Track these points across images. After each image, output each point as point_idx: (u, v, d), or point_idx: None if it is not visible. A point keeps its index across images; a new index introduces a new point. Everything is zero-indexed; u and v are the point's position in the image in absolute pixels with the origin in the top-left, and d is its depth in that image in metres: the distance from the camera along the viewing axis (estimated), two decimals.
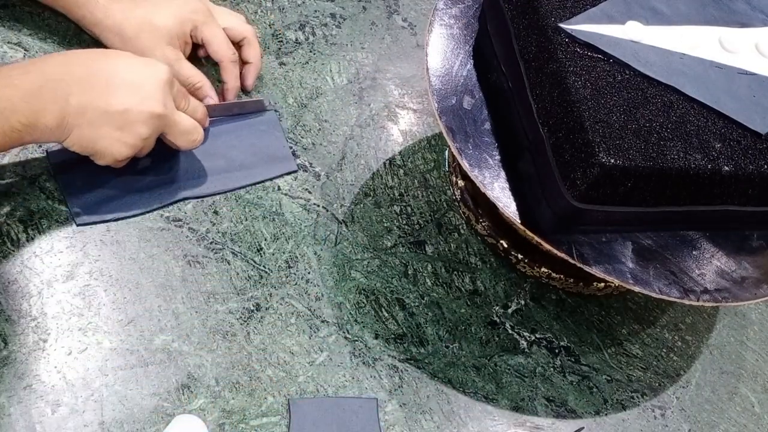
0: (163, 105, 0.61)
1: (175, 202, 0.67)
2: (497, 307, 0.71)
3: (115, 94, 0.59)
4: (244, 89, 0.76)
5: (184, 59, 0.71)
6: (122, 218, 0.65)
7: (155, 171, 0.68)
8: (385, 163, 0.77)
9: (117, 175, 0.66)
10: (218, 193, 0.69)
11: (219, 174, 0.70)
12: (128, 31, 0.69)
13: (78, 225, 0.64)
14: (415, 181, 0.77)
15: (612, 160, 0.55)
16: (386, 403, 0.63)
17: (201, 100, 0.71)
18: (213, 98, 0.72)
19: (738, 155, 0.59)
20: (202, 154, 0.70)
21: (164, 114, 0.61)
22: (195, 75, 0.71)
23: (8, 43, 0.72)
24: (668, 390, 0.71)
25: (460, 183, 0.76)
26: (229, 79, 0.74)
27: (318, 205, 0.72)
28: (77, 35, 0.75)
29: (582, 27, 0.62)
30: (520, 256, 0.72)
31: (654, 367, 0.72)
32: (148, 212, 0.66)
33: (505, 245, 0.72)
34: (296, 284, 0.67)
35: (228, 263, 0.66)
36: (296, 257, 0.68)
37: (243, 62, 0.75)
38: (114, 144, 0.60)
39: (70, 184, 0.65)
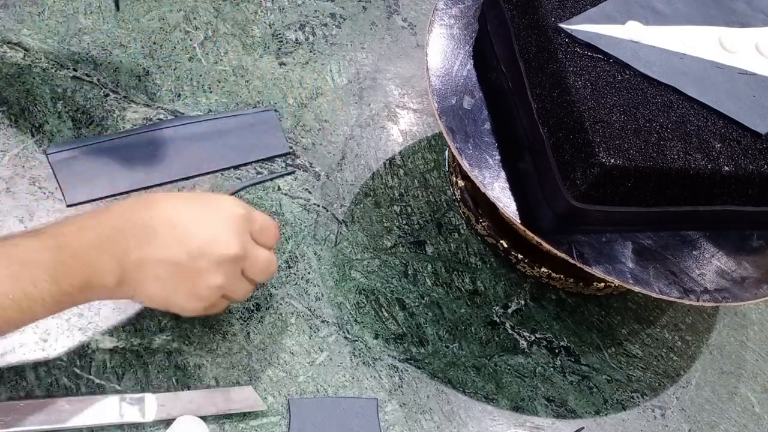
0: (239, 245, 0.53)
1: (171, 182, 0.68)
2: (497, 307, 0.71)
3: (181, 242, 0.51)
4: None
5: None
6: (112, 195, 0.65)
7: (149, 158, 0.68)
8: (385, 163, 0.77)
9: (112, 162, 0.66)
10: (210, 173, 0.70)
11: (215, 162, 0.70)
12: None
13: (68, 206, 0.64)
14: (415, 181, 0.77)
15: (612, 160, 0.55)
16: (386, 403, 0.63)
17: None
18: None
19: (738, 155, 0.59)
20: (201, 154, 0.70)
21: (240, 255, 0.53)
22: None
23: (8, 43, 0.72)
24: (668, 390, 0.71)
25: (460, 183, 0.76)
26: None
27: (318, 205, 0.72)
28: (77, 35, 0.75)
29: (582, 27, 0.62)
30: (520, 256, 0.72)
31: (654, 367, 0.72)
32: (135, 191, 0.66)
33: (505, 245, 0.72)
34: (296, 284, 0.67)
35: None
36: (296, 257, 0.68)
37: None
38: (185, 298, 0.53)
39: (66, 173, 0.65)
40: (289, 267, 0.68)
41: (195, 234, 0.52)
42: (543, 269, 0.72)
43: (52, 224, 0.50)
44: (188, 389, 0.59)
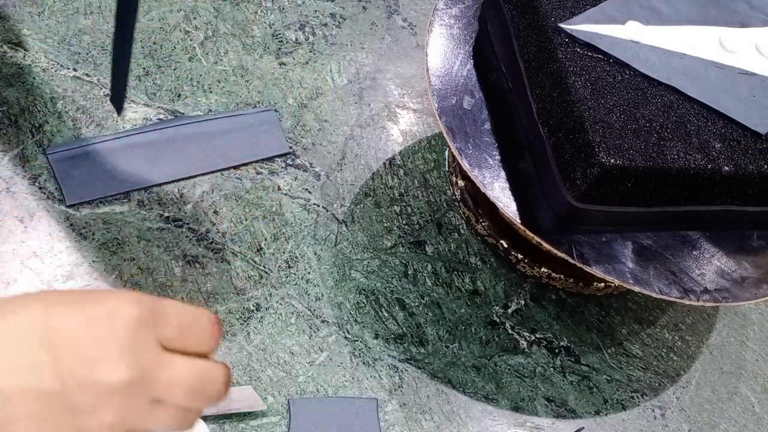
0: (131, 367, 0.36)
1: (171, 182, 0.68)
2: (497, 307, 0.71)
3: (51, 365, 0.35)
4: None
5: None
6: (111, 195, 0.65)
7: (149, 158, 0.68)
8: (385, 163, 0.77)
9: (112, 162, 0.66)
10: (210, 173, 0.70)
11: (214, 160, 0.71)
12: None
13: (68, 206, 0.64)
14: (415, 181, 0.77)
15: (612, 160, 0.55)
16: (386, 403, 0.63)
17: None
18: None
19: (738, 155, 0.59)
20: (201, 154, 0.70)
21: (136, 379, 0.36)
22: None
23: (8, 43, 0.72)
24: (668, 390, 0.71)
25: (460, 183, 0.76)
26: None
27: (318, 205, 0.72)
28: (76, 35, 0.75)
29: (582, 27, 0.62)
30: (520, 256, 0.72)
31: (654, 367, 0.72)
32: (135, 190, 0.66)
33: (505, 245, 0.72)
34: (296, 284, 0.67)
35: (228, 263, 0.66)
36: (296, 257, 0.68)
37: None
38: None
39: (66, 174, 0.65)
40: (289, 267, 0.68)
41: (70, 353, 0.36)
42: (543, 269, 0.72)
43: None
44: None
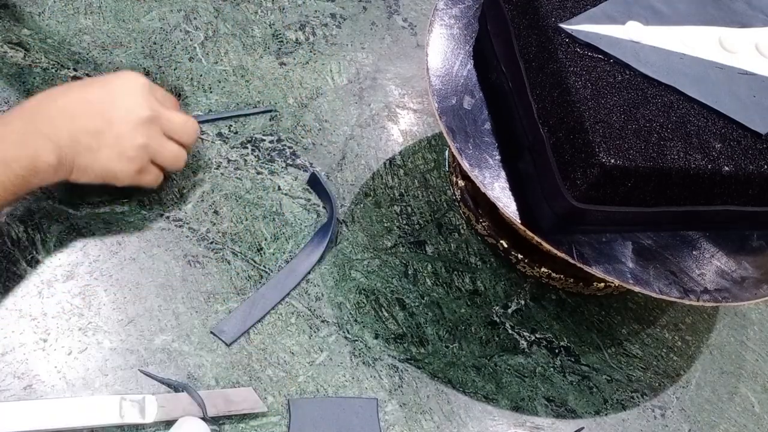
0: (148, 108, 0.60)
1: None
2: (497, 307, 0.71)
3: (99, 114, 0.59)
4: None
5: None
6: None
7: None
8: (385, 163, 0.77)
9: None
10: None
11: None
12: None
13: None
14: (415, 181, 0.77)
15: (612, 160, 0.55)
16: (386, 403, 0.63)
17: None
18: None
19: (738, 155, 0.59)
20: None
21: (152, 116, 0.61)
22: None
23: (8, 43, 0.72)
24: (668, 390, 0.71)
25: (460, 183, 0.76)
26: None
27: (318, 205, 0.72)
28: (76, 35, 0.75)
29: (582, 27, 0.62)
30: (520, 256, 0.72)
31: (654, 367, 0.72)
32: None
33: (505, 245, 0.72)
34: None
35: (228, 263, 0.66)
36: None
37: None
38: (117, 162, 0.60)
39: None
40: None
41: (110, 106, 0.59)
42: (543, 269, 0.72)
43: None
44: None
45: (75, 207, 0.65)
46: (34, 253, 0.62)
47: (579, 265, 0.59)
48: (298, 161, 0.74)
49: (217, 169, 0.71)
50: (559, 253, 0.59)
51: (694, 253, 0.62)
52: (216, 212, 0.68)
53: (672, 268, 0.61)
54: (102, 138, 0.58)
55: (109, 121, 0.59)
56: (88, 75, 0.73)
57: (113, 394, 0.58)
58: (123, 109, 0.60)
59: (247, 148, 0.74)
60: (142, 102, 0.60)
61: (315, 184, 0.72)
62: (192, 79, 0.76)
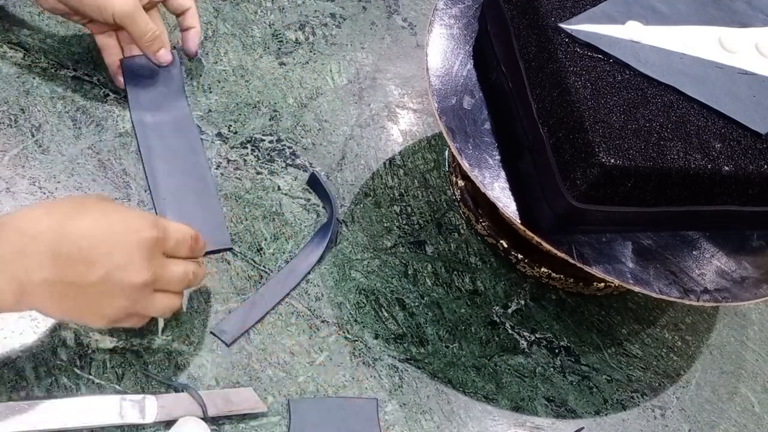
0: (148, 272, 0.51)
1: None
2: (497, 307, 0.71)
3: (86, 266, 0.49)
4: (188, 54, 0.76)
5: (140, 9, 0.67)
6: None
7: None
8: (385, 163, 0.77)
9: None
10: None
11: None
12: None
13: None
14: (415, 181, 0.77)
15: (612, 160, 0.55)
16: (386, 403, 0.63)
17: (156, 51, 0.70)
18: (168, 50, 0.71)
19: (738, 155, 0.59)
20: None
21: (150, 281, 0.52)
22: (151, 24, 0.68)
23: (8, 43, 0.72)
24: (668, 390, 0.71)
25: (460, 183, 0.76)
26: (195, 23, 0.74)
27: (318, 205, 0.72)
28: (77, 35, 0.75)
29: (582, 27, 0.62)
30: (520, 256, 0.72)
31: (654, 367, 0.72)
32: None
33: (505, 245, 0.72)
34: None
35: (228, 263, 0.66)
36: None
37: (184, 29, 0.75)
38: (90, 317, 0.52)
39: None
40: None
41: (103, 259, 0.50)
42: (543, 269, 0.72)
43: None
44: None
45: None
46: None
47: (579, 265, 0.59)
48: (298, 161, 0.74)
49: (216, 169, 0.71)
50: (559, 253, 0.59)
51: (694, 253, 0.62)
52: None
53: (672, 268, 0.61)
54: (81, 292, 0.50)
55: (97, 278, 0.50)
56: (87, 75, 0.73)
57: (113, 394, 0.57)
58: (119, 269, 0.50)
59: (246, 148, 0.74)
60: (144, 265, 0.51)
61: (315, 184, 0.72)
62: (192, 78, 0.76)
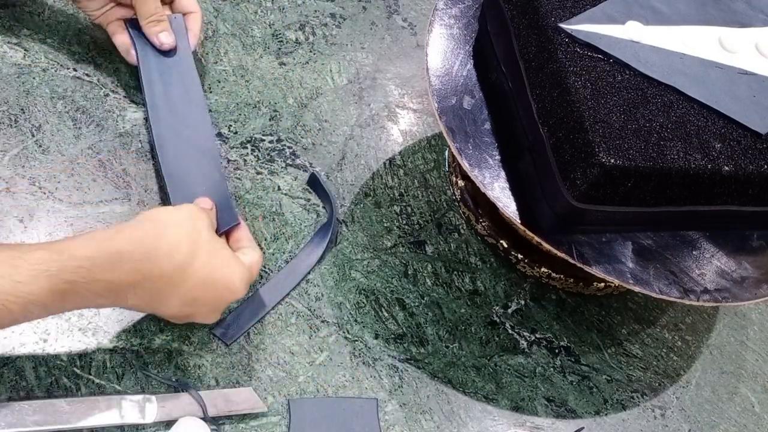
0: (243, 291, 0.58)
1: None
2: (497, 307, 0.71)
3: (185, 299, 0.55)
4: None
5: None
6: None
7: None
8: (385, 163, 0.77)
9: None
10: None
11: None
12: None
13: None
14: (415, 181, 0.77)
15: (612, 160, 0.55)
16: (386, 403, 0.63)
17: (158, 33, 0.70)
18: (170, 35, 0.71)
19: (738, 155, 0.59)
20: None
21: (242, 296, 0.59)
22: (159, 7, 0.70)
23: (8, 43, 0.72)
24: (668, 390, 0.71)
25: (460, 183, 0.76)
26: (195, 27, 0.74)
27: (318, 205, 0.72)
28: (77, 35, 0.75)
29: (582, 27, 0.62)
30: (520, 256, 0.72)
31: (654, 367, 0.72)
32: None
33: (505, 245, 0.72)
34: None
35: None
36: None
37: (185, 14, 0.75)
38: (177, 318, 0.59)
39: None
40: None
41: (205, 294, 0.56)
42: (543, 269, 0.72)
43: (68, 246, 0.50)
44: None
45: (75, 207, 0.65)
46: None
47: (579, 265, 0.59)
48: (298, 161, 0.74)
49: None
50: (559, 253, 0.59)
51: (694, 253, 0.62)
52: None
53: (672, 268, 0.61)
54: (177, 308, 0.56)
55: (195, 305, 0.56)
56: (87, 75, 0.73)
57: (113, 394, 0.57)
58: (220, 298, 0.57)
59: (246, 148, 0.74)
60: (241, 287, 0.57)
61: (315, 184, 0.72)
62: None
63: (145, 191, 0.68)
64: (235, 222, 0.64)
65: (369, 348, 0.66)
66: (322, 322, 0.66)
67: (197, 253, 0.54)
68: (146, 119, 0.70)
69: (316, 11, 0.86)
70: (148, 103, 0.69)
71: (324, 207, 0.72)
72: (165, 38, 0.70)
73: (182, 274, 0.54)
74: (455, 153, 0.62)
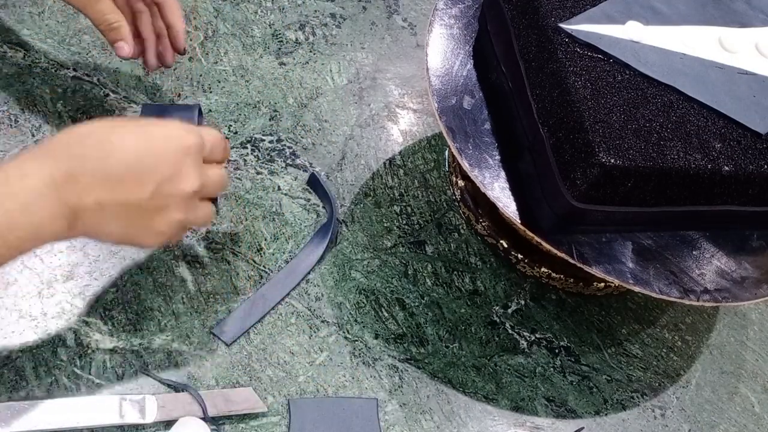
0: (198, 179, 0.51)
1: None
2: (497, 307, 0.71)
3: (137, 181, 0.49)
4: (177, 51, 0.70)
5: None
6: None
7: None
8: (385, 163, 0.77)
9: None
10: None
11: None
12: None
13: None
14: (415, 181, 0.77)
15: (612, 160, 0.55)
16: (386, 403, 0.63)
17: (114, 42, 0.64)
18: (128, 43, 0.64)
19: (738, 155, 0.59)
20: None
21: (199, 188, 0.52)
22: (113, 14, 0.63)
23: (8, 43, 0.72)
24: (668, 390, 0.71)
25: (460, 183, 0.76)
26: (176, 21, 0.67)
27: (318, 205, 0.72)
28: (76, 35, 0.75)
29: (582, 27, 0.62)
30: (520, 256, 0.72)
31: (654, 367, 0.72)
32: None
33: (505, 245, 0.72)
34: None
35: (228, 263, 0.66)
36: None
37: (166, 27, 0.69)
38: (146, 236, 0.52)
39: None
40: None
41: (153, 172, 0.49)
42: (543, 269, 0.72)
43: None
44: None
45: None
46: (34, 253, 0.62)
47: (579, 265, 0.59)
48: (298, 161, 0.74)
49: None
50: (559, 253, 0.59)
51: (694, 253, 0.62)
52: (216, 212, 0.68)
53: (672, 268, 0.61)
54: (136, 210, 0.49)
55: (151, 193, 0.49)
56: (87, 75, 0.73)
57: (113, 394, 0.57)
58: (170, 180, 0.50)
59: (246, 148, 0.74)
60: (193, 173, 0.51)
61: (315, 184, 0.72)
62: (192, 79, 0.76)
63: None
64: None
65: (369, 348, 0.66)
66: (322, 322, 0.66)
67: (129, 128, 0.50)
68: None
69: (316, 11, 0.86)
70: None
71: (324, 207, 0.72)
72: (121, 49, 0.64)
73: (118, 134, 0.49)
74: (455, 153, 0.62)
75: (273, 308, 0.65)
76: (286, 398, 0.61)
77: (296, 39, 0.83)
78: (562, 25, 0.62)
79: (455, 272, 0.72)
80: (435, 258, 0.72)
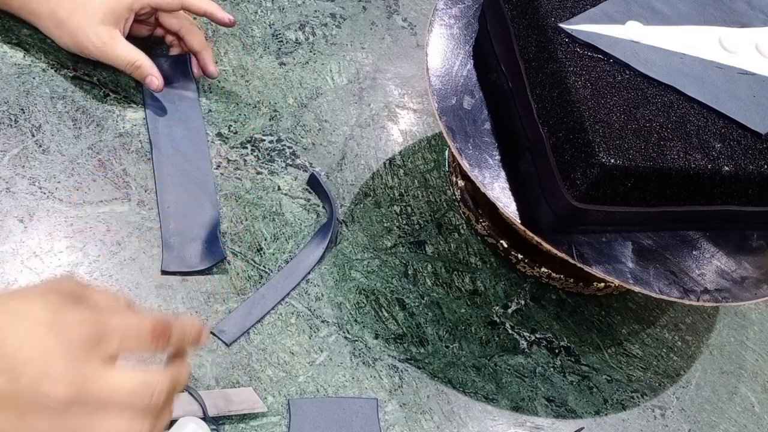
0: (67, 383, 0.37)
1: None
2: (497, 307, 0.71)
3: (9, 374, 0.37)
4: (209, 76, 0.74)
5: (119, 38, 0.68)
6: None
7: None
8: (385, 163, 0.77)
9: None
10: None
11: None
12: (61, 13, 0.67)
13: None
14: (415, 181, 0.77)
15: (612, 160, 0.55)
16: (386, 403, 0.63)
17: (143, 80, 0.69)
18: (157, 78, 0.69)
19: (738, 155, 0.59)
20: None
21: (72, 398, 0.37)
22: (132, 54, 0.68)
23: (8, 43, 0.72)
24: (668, 390, 0.71)
25: (460, 183, 0.76)
26: (202, 48, 0.72)
27: (318, 205, 0.72)
28: None
29: (582, 27, 0.62)
30: (520, 256, 0.72)
31: (654, 367, 0.72)
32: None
33: (505, 245, 0.72)
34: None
35: (228, 263, 0.66)
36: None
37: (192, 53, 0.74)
38: None
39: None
40: None
41: (22, 367, 0.37)
42: (543, 269, 0.72)
43: None
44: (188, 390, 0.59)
45: (75, 207, 0.65)
46: (34, 253, 0.62)
47: (579, 265, 0.59)
48: (298, 161, 0.74)
49: (216, 169, 0.71)
50: (559, 253, 0.59)
51: (694, 253, 0.62)
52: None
53: (672, 268, 0.61)
54: (7, 404, 0.37)
55: (20, 387, 0.37)
56: (87, 75, 0.73)
57: None
58: (37, 375, 0.37)
59: (246, 148, 0.74)
60: (65, 373, 0.37)
61: (315, 184, 0.72)
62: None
63: (145, 191, 0.68)
64: (221, 257, 0.65)
65: (369, 348, 0.66)
66: (322, 322, 0.66)
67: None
68: (150, 150, 0.70)
69: (316, 11, 0.86)
70: (152, 139, 0.70)
71: (324, 207, 0.72)
72: (152, 83, 0.68)
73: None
74: (455, 153, 0.62)
75: (273, 308, 0.65)
76: (286, 398, 0.61)
77: (296, 39, 0.83)
78: (562, 25, 0.62)
79: (455, 272, 0.72)
80: (435, 258, 0.72)
